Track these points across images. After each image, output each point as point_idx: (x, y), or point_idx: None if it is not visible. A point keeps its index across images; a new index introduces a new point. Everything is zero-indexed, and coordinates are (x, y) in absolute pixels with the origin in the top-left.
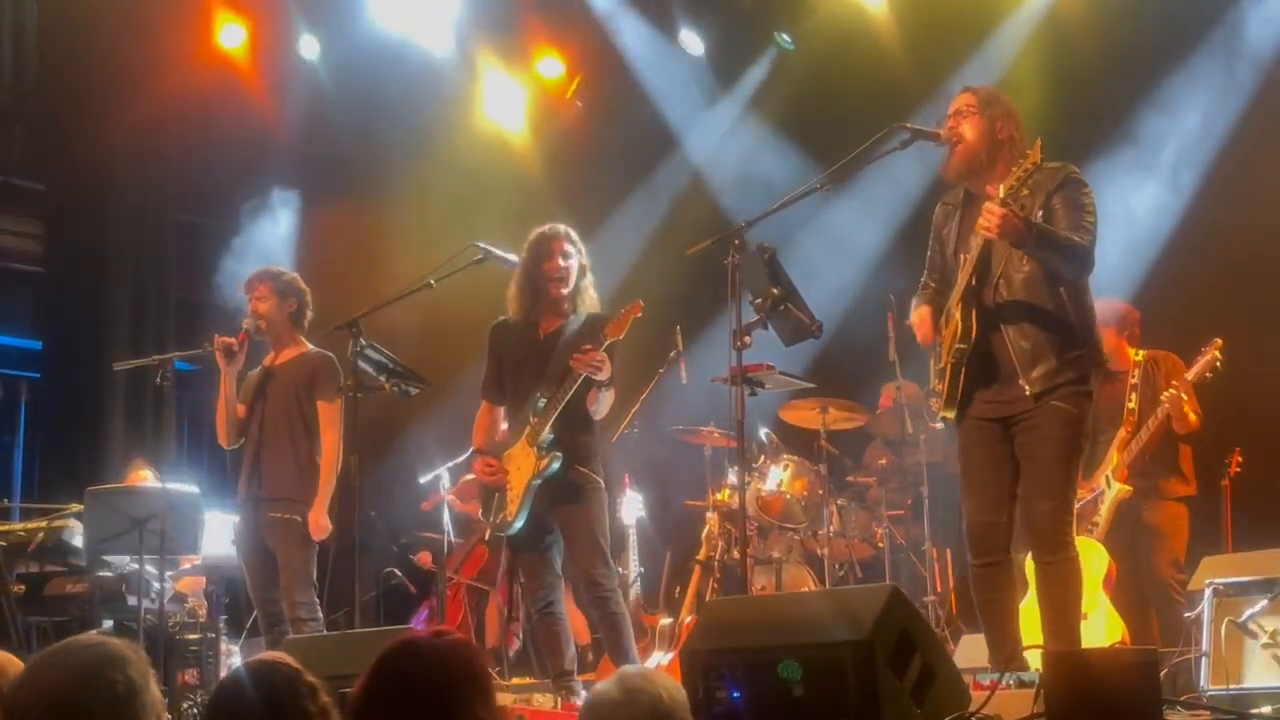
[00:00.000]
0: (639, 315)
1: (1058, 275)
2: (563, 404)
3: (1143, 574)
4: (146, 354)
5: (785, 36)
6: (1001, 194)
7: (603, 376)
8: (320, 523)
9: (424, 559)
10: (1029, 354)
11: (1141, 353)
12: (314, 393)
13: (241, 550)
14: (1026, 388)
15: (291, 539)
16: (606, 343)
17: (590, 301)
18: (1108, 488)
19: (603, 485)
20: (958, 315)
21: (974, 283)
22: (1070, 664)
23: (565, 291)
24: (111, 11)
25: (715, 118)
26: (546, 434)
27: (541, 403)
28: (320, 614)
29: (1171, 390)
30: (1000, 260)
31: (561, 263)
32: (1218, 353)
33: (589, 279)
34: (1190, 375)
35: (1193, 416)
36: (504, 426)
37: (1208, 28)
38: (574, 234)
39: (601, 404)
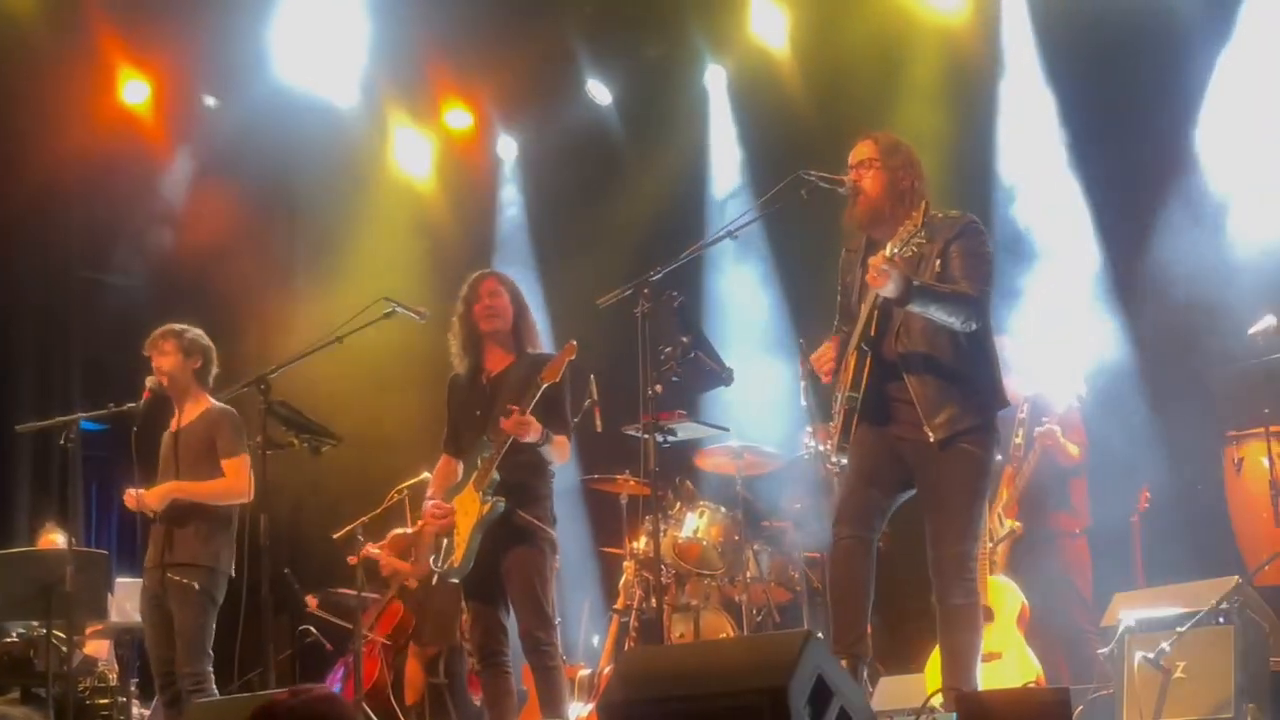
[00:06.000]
0: (573, 357)
1: (949, 326)
2: (504, 448)
3: (1052, 614)
4: (51, 414)
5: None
6: (888, 251)
7: (531, 439)
8: (146, 498)
9: (311, 603)
10: (932, 401)
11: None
12: (216, 451)
13: (143, 611)
14: (930, 434)
15: (188, 605)
16: (543, 387)
17: (534, 341)
18: (999, 526)
19: (550, 533)
20: (852, 364)
21: (873, 332)
22: (984, 704)
23: (499, 328)
24: (11, 67)
25: (628, 166)
26: (492, 477)
27: (488, 447)
28: (210, 684)
29: (1043, 425)
30: (900, 310)
31: (489, 301)
32: (1083, 386)
33: (531, 318)
34: (1060, 410)
35: (1073, 449)
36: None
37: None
38: (505, 276)
39: (550, 454)
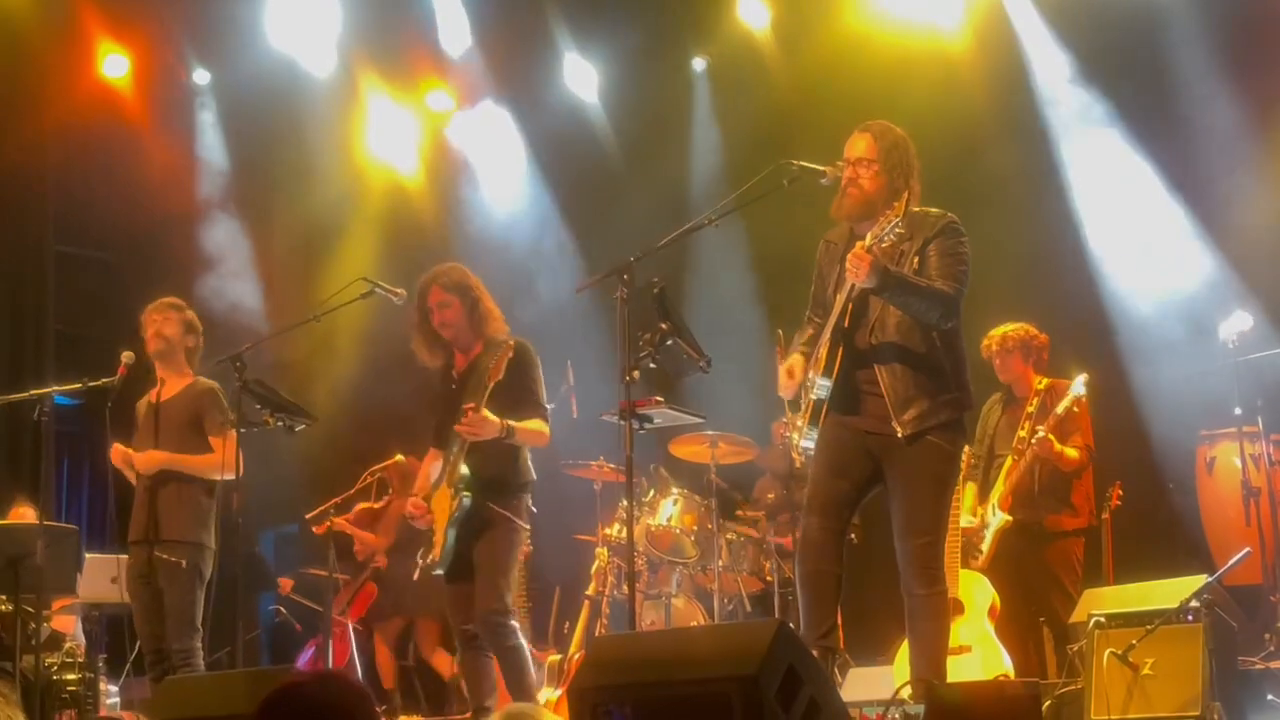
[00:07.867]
0: (511, 356)
1: (923, 321)
2: (465, 446)
3: (1036, 609)
4: (25, 388)
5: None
6: (868, 241)
7: (489, 436)
8: (136, 460)
9: (285, 585)
10: (901, 396)
11: (1045, 381)
12: (202, 427)
13: (130, 588)
14: (899, 429)
15: (177, 582)
16: (489, 387)
17: (495, 325)
18: (992, 517)
19: (517, 523)
20: (824, 353)
21: (847, 324)
22: (954, 696)
23: (456, 336)
24: None
25: (610, 153)
26: (461, 471)
27: (455, 443)
28: (198, 660)
29: (1039, 434)
30: (876, 304)
31: (440, 316)
32: (1083, 389)
33: (484, 307)
34: (1059, 410)
35: (1071, 453)
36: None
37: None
38: (449, 276)
39: (521, 442)
